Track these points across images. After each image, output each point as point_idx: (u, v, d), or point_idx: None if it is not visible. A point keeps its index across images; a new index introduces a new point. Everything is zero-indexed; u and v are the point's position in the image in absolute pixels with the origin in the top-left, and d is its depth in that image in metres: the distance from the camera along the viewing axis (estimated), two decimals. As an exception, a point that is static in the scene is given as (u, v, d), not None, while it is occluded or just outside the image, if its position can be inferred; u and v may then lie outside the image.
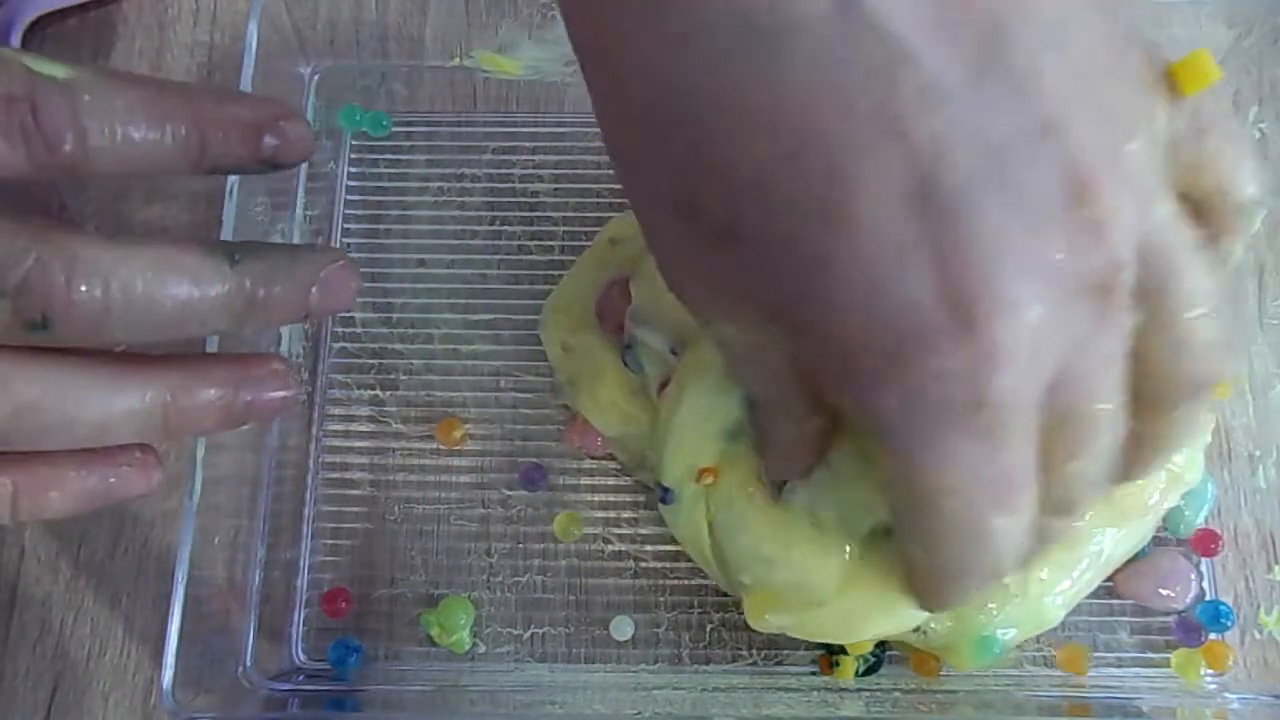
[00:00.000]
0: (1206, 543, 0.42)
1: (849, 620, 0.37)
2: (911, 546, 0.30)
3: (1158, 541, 0.42)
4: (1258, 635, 0.42)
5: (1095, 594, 0.41)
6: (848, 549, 0.36)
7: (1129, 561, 0.41)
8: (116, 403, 0.30)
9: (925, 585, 0.31)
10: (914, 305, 0.23)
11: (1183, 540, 0.43)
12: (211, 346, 0.38)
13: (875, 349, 0.24)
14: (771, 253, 0.25)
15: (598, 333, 0.42)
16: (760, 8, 0.22)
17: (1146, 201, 0.24)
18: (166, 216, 0.46)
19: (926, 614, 0.37)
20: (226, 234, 0.39)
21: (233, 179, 0.39)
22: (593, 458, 0.44)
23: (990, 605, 0.38)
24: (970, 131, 0.22)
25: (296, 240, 0.45)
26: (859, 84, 0.22)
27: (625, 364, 0.41)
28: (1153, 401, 0.27)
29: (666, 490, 0.39)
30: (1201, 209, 0.26)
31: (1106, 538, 0.39)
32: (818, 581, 0.36)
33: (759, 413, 0.34)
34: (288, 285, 0.31)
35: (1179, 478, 0.39)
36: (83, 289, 0.27)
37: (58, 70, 0.28)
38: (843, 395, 0.27)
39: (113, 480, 0.32)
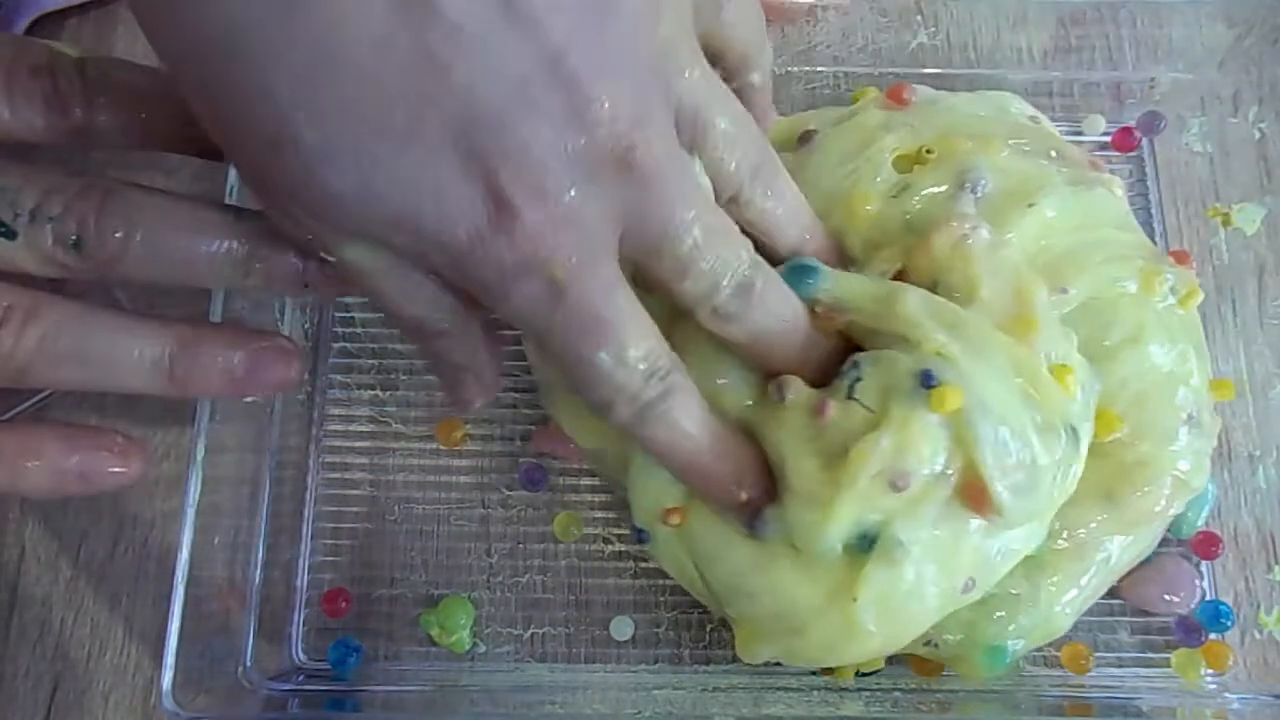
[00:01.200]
0: (1207, 545, 0.42)
1: (836, 643, 0.36)
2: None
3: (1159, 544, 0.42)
4: (1258, 635, 0.42)
5: (1098, 594, 0.41)
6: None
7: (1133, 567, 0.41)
8: (128, 344, 0.34)
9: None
10: (473, 211, 0.29)
11: (1183, 542, 0.43)
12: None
13: (456, 249, 0.30)
14: (362, 189, 0.29)
15: None
16: None
17: (666, 78, 0.31)
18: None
19: (914, 635, 0.37)
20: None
21: (233, 179, 0.39)
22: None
23: (999, 613, 0.38)
24: (497, 67, 0.28)
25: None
26: (395, 31, 0.26)
27: None
28: (734, 196, 0.34)
29: (641, 531, 0.39)
30: (721, 54, 0.34)
31: (1115, 545, 0.39)
32: (802, 606, 0.36)
33: (433, 347, 0.36)
34: (284, 248, 0.34)
35: (1185, 484, 0.39)
36: (108, 220, 0.33)
37: (72, 50, 0.34)
38: (468, 286, 0.32)
39: (92, 466, 0.34)
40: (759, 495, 0.36)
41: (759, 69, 0.39)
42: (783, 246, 0.37)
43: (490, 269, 0.30)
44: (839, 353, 0.37)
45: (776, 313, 0.35)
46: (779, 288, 0.35)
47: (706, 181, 0.34)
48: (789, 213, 0.37)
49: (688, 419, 0.34)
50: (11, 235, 0.32)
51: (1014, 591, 0.38)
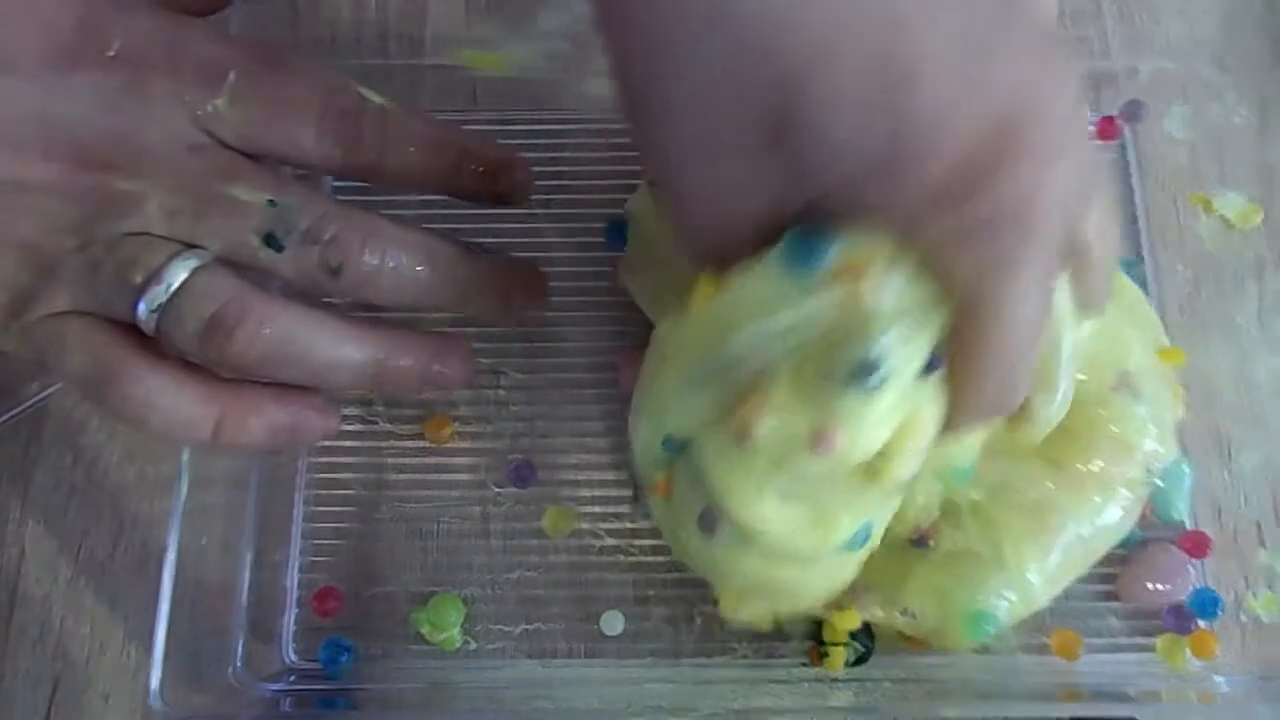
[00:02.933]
0: (1198, 545, 0.42)
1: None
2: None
3: (1152, 537, 0.42)
4: (1244, 619, 0.42)
5: (1087, 580, 0.41)
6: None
7: (1127, 562, 0.41)
8: (343, 350, 0.36)
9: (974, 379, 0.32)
10: (877, 135, 0.28)
11: (1173, 525, 0.42)
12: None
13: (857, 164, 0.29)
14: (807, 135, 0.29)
15: None
16: None
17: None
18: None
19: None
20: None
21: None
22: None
23: (966, 573, 0.38)
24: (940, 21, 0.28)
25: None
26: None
27: None
28: None
29: (637, 489, 0.39)
30: None
31: (1083, 519, 0.39)
32: (784, 579, 0.36)
33: None
34: (502, 288, 0.39)
35: (1137, 450, 0.39)
36: (368, 252, 0.35)
37: (377, 97, 0.37)
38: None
39: (302, 421, 0.37)
40: None
41: None
42: None
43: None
44: None
45: None
46: None
47: None
48: None
49: None
50: (280, 249, 0.35)
51: (975, 550, 0.39)
